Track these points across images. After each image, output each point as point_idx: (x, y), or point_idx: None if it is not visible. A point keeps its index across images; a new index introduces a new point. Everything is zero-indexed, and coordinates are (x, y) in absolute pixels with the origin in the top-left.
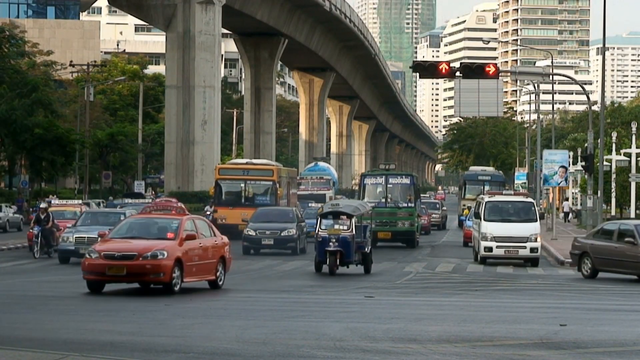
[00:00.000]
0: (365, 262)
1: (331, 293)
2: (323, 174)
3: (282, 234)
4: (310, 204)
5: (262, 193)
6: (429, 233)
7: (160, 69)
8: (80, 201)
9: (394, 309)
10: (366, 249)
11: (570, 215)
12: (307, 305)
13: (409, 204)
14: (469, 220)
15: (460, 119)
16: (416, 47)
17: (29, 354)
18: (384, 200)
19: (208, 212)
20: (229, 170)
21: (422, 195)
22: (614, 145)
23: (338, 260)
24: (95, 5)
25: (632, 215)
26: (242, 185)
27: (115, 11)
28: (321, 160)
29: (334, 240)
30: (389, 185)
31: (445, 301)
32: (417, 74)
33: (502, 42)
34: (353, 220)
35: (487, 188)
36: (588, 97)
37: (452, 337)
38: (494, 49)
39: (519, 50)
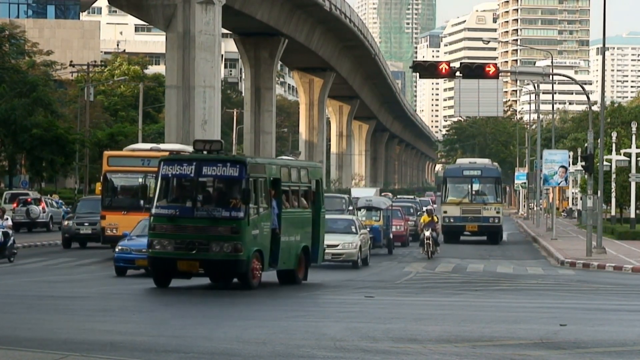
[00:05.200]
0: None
1: (331, 293)
2: None
3: None
4: None
5: None
6: (407, 245)
7: (160, 69)
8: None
9: (394, 309)
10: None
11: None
12: (307, 305)
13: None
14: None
15: (461, 118)
16: (416, 47)
17: (29, 354)
18: None
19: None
20: (124, 160)
21: (409, 196)
22: (614, 145)
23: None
24: (95, 5)
25: (632, 215)
26: (142, 180)
27: (115, 11)
28: (290, 155)
29: (368, 228)
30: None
31: (445, 301)
32: (417, 74)
33: (502, 42)
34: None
35: (476, 187)
36: (588, 97)
37: (452, 337)
38: (494, 49)
39: (519, 50)
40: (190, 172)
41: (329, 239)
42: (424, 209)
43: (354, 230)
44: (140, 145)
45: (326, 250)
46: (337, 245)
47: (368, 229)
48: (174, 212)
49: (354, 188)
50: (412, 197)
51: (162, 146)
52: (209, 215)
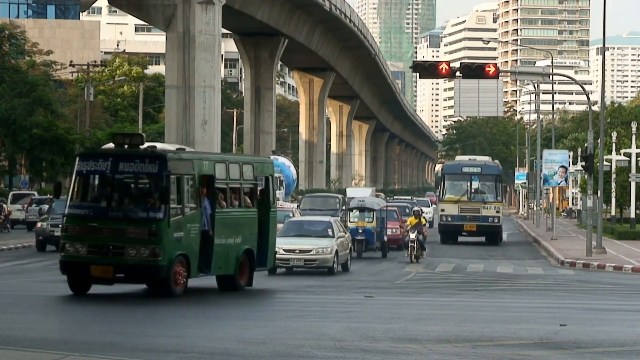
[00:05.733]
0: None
1: (331, 293)
2: None
3: None
4: None
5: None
6: (402, 248)
7: (160, 69)
8: None
9: (394, 309)
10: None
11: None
12: (307, 305)
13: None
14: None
15: (461, 118)
16: (416, 47)
17: (29, 354)
18: None
19: None
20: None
21: (406, 197)
22: (614, 145)
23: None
24: (95, 5)
25: (632, 215)
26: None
27: (115, 11)
28: (282, 155)
29: (360, 230)
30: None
31: (445, 301)
32: (417, 74)
33: (502, 42)
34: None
35: (475, 185)
36: (588, 97)
37: (452, 337)
38: (494, 49)
39: (519, 50)
40: (106, 169)
41: (301, 244)
42: (414, 210)
43: (330, 233)
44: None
45: (298, 256)
46: (310, 251)
47: (361, 230)
48: (88, 212)
49: (350, 188)
50: (409, 197)
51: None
52: (125, 216)
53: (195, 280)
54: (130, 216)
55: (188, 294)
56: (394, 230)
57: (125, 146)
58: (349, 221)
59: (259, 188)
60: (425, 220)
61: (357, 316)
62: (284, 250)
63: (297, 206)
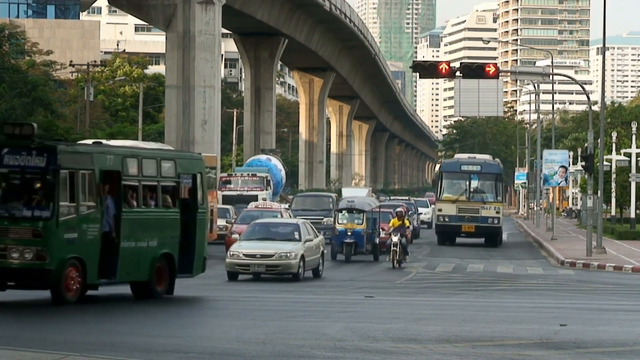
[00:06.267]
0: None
1: (331, 293)
2: (258, 170)
3: None
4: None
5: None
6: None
7: (160, 69)
8: None
9: (394, 309)
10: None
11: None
12: (307, 305)
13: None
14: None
15: (461, 118)
16: (416, 47)
17: (29, 354)
18: None
19: None
20: None
21: (411, 198)
22: (614, 145)
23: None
24: (95, 5)
25: (632, 215)
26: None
27: (115, 11)
28: (270, 153)
29: (349, 233)
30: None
31: (445, 301)
32: (417, 74)
33: (502, 42)
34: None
35: (474, 184)
36: (588, 97)
37: (452, 337)
38: (494, 49)
39: (519, 50)
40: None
41: (263, 248)
42: (396, 211)
43: (296, 237)
44: (83, 142)
45: (259, 262)
46: (272, 256)
47: (350, 233)
48: None
49: (345, 188)
50: (407, 197)
51: (107, 142)
52: (9, 215)
53: (195, 280)
54: (13, 215)
55: (187, 294)
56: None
57: (24, 139)
58: (337, 223)
59: (186, 187)
60: (409, 223)
61: (357, 316)
62: (244, 255)
63: (289, 206)
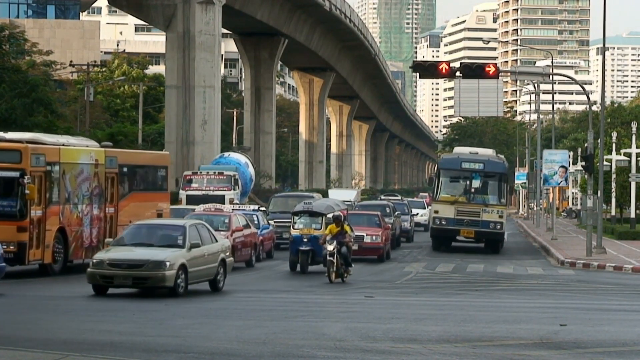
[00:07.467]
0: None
1: (331, 293)
2: (225, 169)
3: None
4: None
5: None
6: (384, 259)
7: (160, 69)
8: None
9: (394, 309)
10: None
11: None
12: (307, 305)
13: None
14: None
15: (461, 118)
16: (416, 47)
17: (29, 354)
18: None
19: None
20: None
21: (405, 198)
22: (614, 145)
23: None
24: (95, 5)
25: (632, 215)
26: None
27: (115, 11)
28: (239, 151)
29: (305, 239)
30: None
31: (445, 301)
32: (417, 74)
33: (502, 42)
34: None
35: (476, 184)
36: (588, 97)
37: (452, 337)
38: (494, 49)
39: (519, 50)
40: None
41: (131, 256)
42: (332, 214)
43: (179, 242)
44: None
45: (125, 272)
46: (141, 266)
47: (306, 239)
48: None
49: (332, 189)
50: (398, 197)
51: (7, 135)
52: None
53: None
54: None
55: (187, 294)
56: (374, 237)
57: None
58: (293, 228)
59: None
60: (351, 229)
61: (357, 316)
62: (109, 264)
63: (260, 207)
